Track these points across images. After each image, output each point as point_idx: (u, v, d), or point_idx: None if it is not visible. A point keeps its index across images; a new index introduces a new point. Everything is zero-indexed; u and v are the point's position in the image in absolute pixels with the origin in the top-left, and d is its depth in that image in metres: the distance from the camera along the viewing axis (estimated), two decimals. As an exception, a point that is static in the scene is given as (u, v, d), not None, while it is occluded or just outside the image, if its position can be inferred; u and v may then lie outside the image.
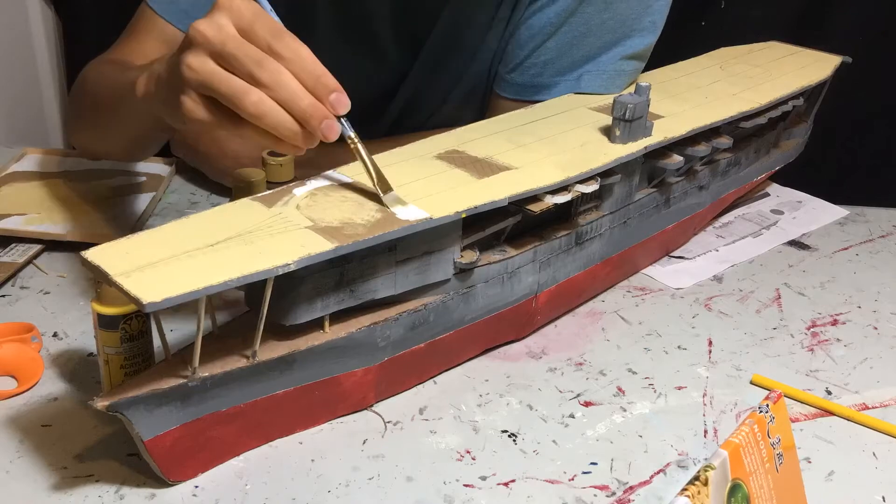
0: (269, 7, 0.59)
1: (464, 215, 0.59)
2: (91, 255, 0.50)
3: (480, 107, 0.92)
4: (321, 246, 0.52)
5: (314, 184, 0.61)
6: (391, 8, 0.87)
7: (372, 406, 0.63)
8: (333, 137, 0.57)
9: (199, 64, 0.55)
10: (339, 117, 0.57)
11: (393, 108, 0.95)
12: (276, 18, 0.57)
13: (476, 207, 0.59)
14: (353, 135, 0.58)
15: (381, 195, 0.58)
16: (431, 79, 0.91)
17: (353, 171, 0.63)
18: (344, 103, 0.57)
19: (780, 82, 0.89)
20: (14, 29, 1.28)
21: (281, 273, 0.50)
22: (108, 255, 0.49)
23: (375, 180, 0.59)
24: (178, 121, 0.59)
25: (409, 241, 0.58)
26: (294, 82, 0.55)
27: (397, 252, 0.58)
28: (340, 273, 0.56)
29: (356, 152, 0.59)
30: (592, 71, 0.82)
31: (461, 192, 0.61)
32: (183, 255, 0.50)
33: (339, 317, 0.58)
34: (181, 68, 0.56)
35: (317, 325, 0.57)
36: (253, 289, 0.55)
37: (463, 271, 0.63)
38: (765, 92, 0.85)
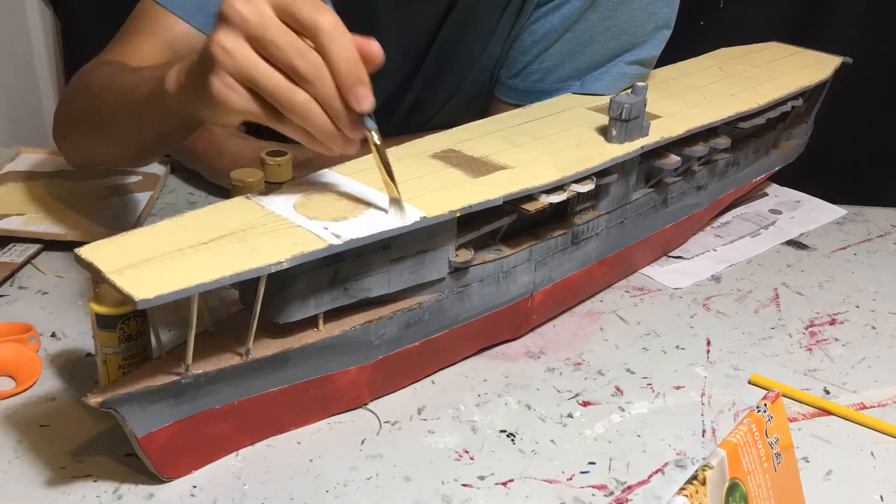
0: None
1: (458, 214, 0.59)
2: (85, 252, 0.50)
3: (481, 112, 0.91)
4: (315, 244, 0.52)
5: (310, 183, 0.61)
6: (395, 13, 0.87)
7: (367, 404, 0.63)
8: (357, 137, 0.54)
9: (236, 48, 0.51)
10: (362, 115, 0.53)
11: (397, 113, 0.95)
12: None
13: (471, 206, 0.59)
14: (374, 132, 0.55)
15: (389, 198, 0.56)
16: (434, 84, 0.91)
17: (349, 170, 0.63)
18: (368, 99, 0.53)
19: (779, 83, 0.89)
20: (13, 29, 1.28)
21: (274, 271, 0.50)
22: (102, 253, 0.49)
23: (390, 182, 0.56)
24: (212, 112, 0.54)
25: (403, 240, 0.58)
26: (331, 80, 0.51)
27: (391, 251, 0.58)
28: (334, 271, 0.56)
29: (374, 151, 0.55)
30: (594, 74, 0.82)
31: (456, 191, 0.61)
32: (176, 252, 0.50)
33: (333, 315, 0.58)
34: (212, 49, 0.51)
35: (311, 323, 0.57)
36: (246, 287, 0.55)
37: (458, 270, 0.63)
38: (763, 92, 0.85)
